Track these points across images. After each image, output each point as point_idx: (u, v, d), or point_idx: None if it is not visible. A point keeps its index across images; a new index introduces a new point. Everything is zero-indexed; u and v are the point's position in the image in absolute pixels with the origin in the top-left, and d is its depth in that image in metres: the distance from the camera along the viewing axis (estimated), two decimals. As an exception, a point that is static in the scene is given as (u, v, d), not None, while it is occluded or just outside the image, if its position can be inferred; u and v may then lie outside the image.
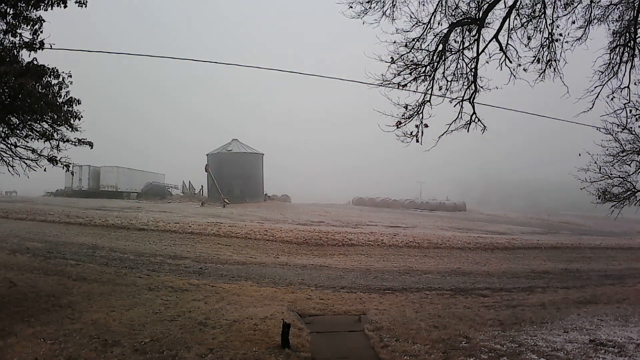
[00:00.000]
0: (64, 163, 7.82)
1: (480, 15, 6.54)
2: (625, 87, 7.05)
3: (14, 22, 6.76)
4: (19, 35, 6.85)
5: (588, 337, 6.55)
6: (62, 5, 6.75)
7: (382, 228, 21.50)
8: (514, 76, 6.69)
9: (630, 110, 7.45)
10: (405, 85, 6.63)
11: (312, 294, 9.51)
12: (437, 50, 6.67)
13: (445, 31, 6.64)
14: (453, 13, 6.65)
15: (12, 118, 7.45)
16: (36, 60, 6.92)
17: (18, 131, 7.62)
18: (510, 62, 6.64)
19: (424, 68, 6.73)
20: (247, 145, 39.98)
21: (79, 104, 7.56)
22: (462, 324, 7.32)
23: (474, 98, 6.93)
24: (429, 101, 6.76)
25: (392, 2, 6.48)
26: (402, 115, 6.68)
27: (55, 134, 7.71)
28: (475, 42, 6.71)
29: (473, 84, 6.87)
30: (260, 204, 36.52)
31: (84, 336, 5.75)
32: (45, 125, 7.64)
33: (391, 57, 6.54)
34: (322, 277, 11.64)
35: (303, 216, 25.87)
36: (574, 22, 6.62)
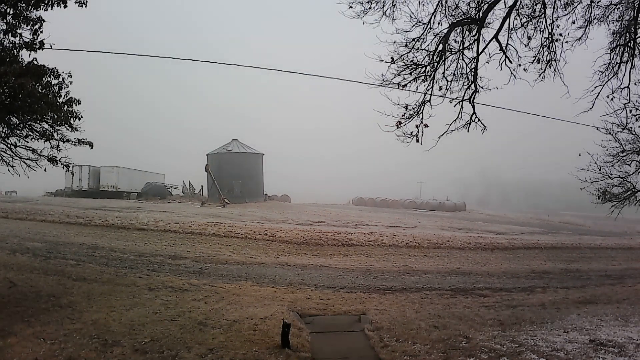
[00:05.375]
0: (64, 163, 7.83)
1: (480, 15, 6.54)
2: (625, 87, 7.05)
3: (14, 22, 6.76)
4: (19, 35, 6.85)
5: (588, 337, 6.55)
6: (62, 5, 6.75)
7: (382, 228, 21.50)
8: (514, 76, 6.69)
9: (630, 110, 7.45)
10: (405, 85, 6.63)
11: (312, 294, 9.51)
12: (437, 50, 6.67)
13: (445, 31, 6.64)
14: (453, 13, 6.65)
15: (12, 118, 7.45)
16: (36, 60, 6.94)
17: (18, 131, 7.63)
18: (510, 62, 6.64)
19: (424, 68, 6.72)
20: (247, 145, 40.00)
21: (79, 104, 7.58)
22: (462, 324, 7.31)
23: (474, 98, 6.93)
24: (429, 101, 6.76)
25: (392, 2, 6.48)
26: (402, 115, 6.67)
27: (55, 134, 7.72)
28: (475, 42, 6.71)
29: (473, 84, 6.87)
30: (260, 204, 36.54)
31: (84, 336, 5.75)
32: (45, 125, 7.65)
33: (391, 57, 6.54)
34: (322, 277, 11.64)
35: (303, 216, 25.86)
36: (574, 22, 6.63)
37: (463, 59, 6.88)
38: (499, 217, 37.33)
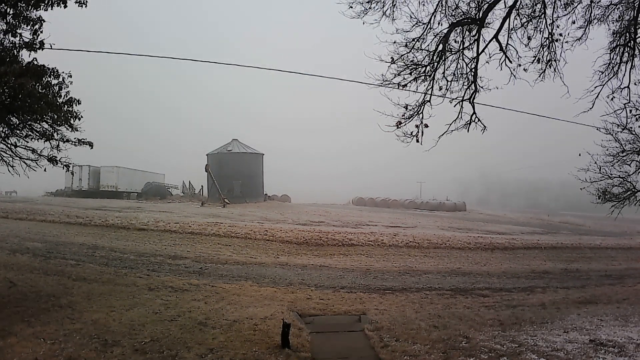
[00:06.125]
0: (64, 163, 7.82)
1: (480, 15, 6.54)
2: (625, 87, 7.06)
3: (14, 22, 6.76)
4: (19, 35, 6.85)
5: (588, 337, 6.54)
6: (62, 5, 6.75)
7: (382, 228, 21.50)
8: (514, 76, 6.70)
9: (630, 110, 7.46)
10: (405, 85, 6.63)
11: (312, 294, 9.51)
12: (437, 50, 6.67)
13: (445, 31, 6.65)
14: (453, 13, 6.65)
15: (12, 118, 7.44)
16: (36, 60, 6.94)
17: (18, 131, 7.62)
18: (510, 62, 6.64)
19: (424, 68, 6.73)
20: (247, 145, 39.98)
21: (79, 104, 7.57)
22: (462, 324, 7.31)
23: (474, 98, 6.93)
24: (429, 101, 6.77)
25: (392, 2, 6.48)
26: (402, 115, 6.68)
27: (55, 134, 7.72)
28: (475, 42, 6.71)
29: (473, 84, 6.88)
30: (260, 204, 36.52)
31: (84, 336, 5.74)
32: (45, 125, 7.65)
33: (391, 57, 6.55)
34: (322, 277, 11.65)
35: (303, 216, 25.86)
36: (574, 22, 6.64)
37: (463, 59, 6.89)
38: (499, 217, 37.30)
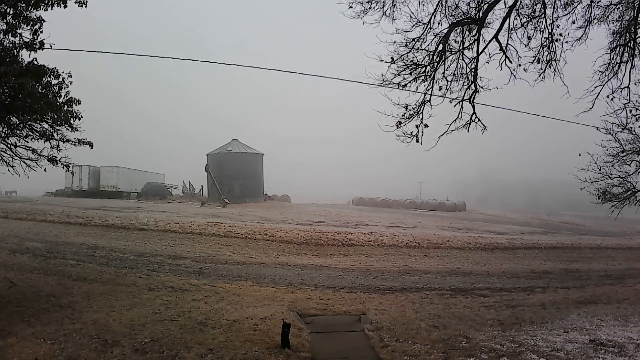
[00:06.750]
0: (64, 163, 7.83)
1: (480, 15, 6.55)
2: (625, 87, 7.07)
3: (14, 22, 6.77)
4: (19, 35, 6.86)
5: (588, 337, 6.55)
6: (62, 5, 6.75)
7: (382, 228, 21.49)
8: (514, 76, 6.71)
9: (630, 110, 7.48)
10: (405, 85, 6.65)
11: (312, 294, 9.50)
12: (437, 50, 6.68)
13: (445, 31, 6.65)
14: (453, 13, 6.66)
15: (12, 118, 7.46)
16: (36, 60, 6.94)
17: (18, 131, 7.63)
18: (510, 62, 6.66)
19: (424, 68, 6.74)
20: (247, 145, 39.97)
21: (79, 104, 7.58)
22: (462, 324, 7.32)
23: (474, 98, 6.94)
24: (429, 101, 6.78)
25: (392, 2, 6.49)
26: (402, 115, 6.70)
27: (55, 134, 7.73)
28: (475, 42, 6.72)
29: (473, 84, 6.89)
30: (260, 204, 36.50)
31: (84, 336, 5.75)
32: (45, 125, 7.67)
33: (391, 57, 6.56)
34: (322, 277, 11.64)
35: (303, 216, 25.85)
36: (574, 22, 6.65)
37: (463, 59, 6.90)
38: (499, 217, 37.27)
